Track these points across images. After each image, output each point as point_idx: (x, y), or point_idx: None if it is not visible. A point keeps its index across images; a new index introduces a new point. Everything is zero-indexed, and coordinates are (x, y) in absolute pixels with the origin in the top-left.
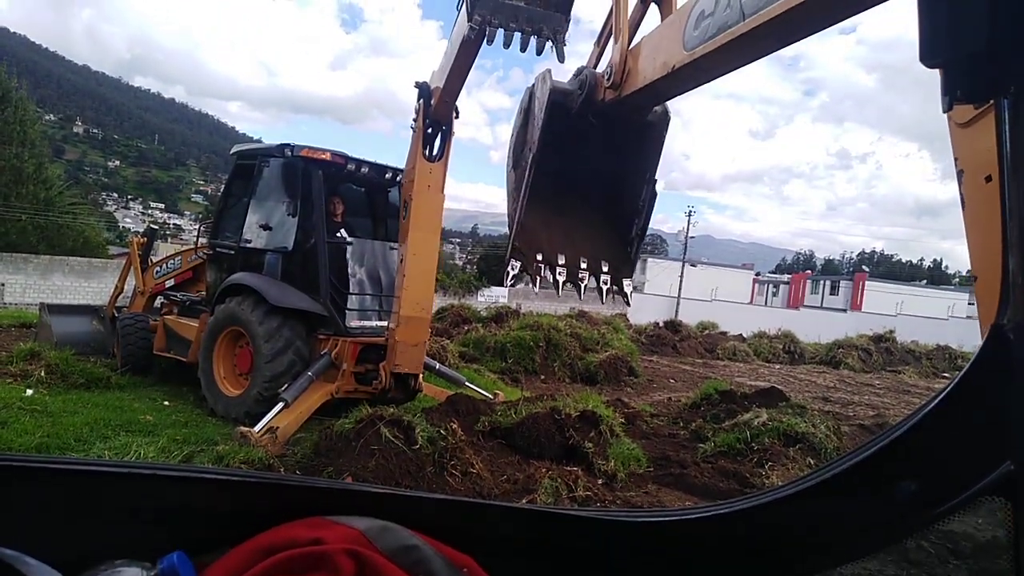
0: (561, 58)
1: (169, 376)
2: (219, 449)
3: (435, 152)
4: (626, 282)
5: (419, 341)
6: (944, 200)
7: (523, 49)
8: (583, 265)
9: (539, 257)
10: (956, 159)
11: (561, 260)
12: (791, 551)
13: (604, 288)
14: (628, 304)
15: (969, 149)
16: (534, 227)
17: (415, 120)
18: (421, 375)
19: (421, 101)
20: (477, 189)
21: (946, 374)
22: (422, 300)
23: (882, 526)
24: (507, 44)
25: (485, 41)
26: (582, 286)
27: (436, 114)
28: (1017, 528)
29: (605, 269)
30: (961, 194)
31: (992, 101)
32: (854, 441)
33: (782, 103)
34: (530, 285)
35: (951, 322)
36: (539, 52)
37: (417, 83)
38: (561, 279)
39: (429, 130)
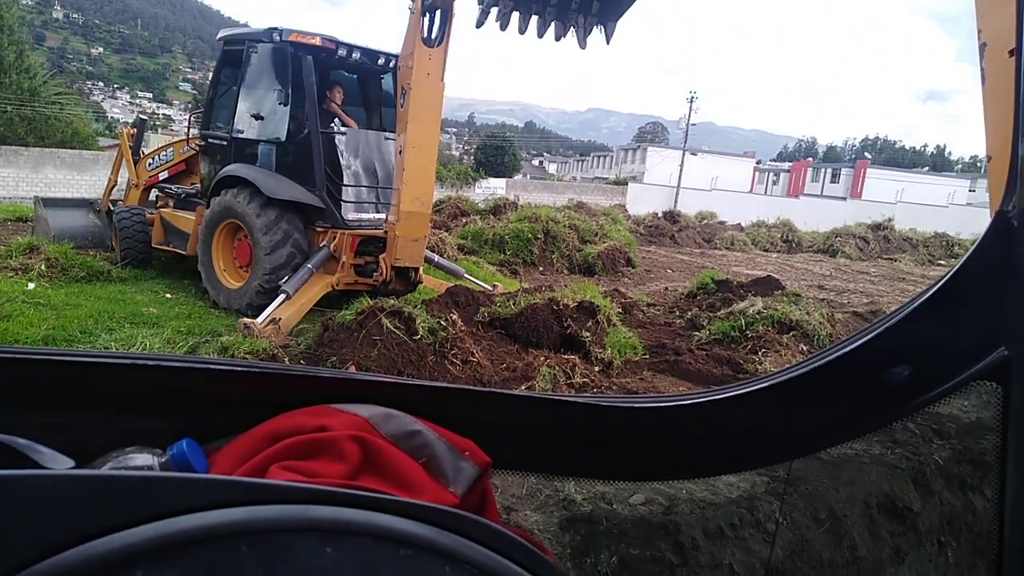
0: (582, 43)
1: (169, 269)
2: (223, 340)
3: (434, 36)
4: (611, 23)
5: (419, 236)
6: (953, 84)
7: (540, 35)
8: (573, 5)
9: None
10: (980, 31)
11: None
12: (783, 435)
13: (590, 27)
14: (608, 42)
15: (994, 19)
16: None
17: (413, 1)
18: (421, 268)
19: None
20: (472, 74)
21: (942, 262)
22: (422, 195)
23: (872, 411)
24: (522, 29)
25: (499, 26)
26: (568, 25)
27: None
28: (1006, 410)
29: (594, 10)
30: (982, 69)
31: None
32: (848, 328)
33: None
34: (509, 27)
35: (950, 209)
36: (557, 38)
37: None
38: (550, 18)
39: (428, 12)
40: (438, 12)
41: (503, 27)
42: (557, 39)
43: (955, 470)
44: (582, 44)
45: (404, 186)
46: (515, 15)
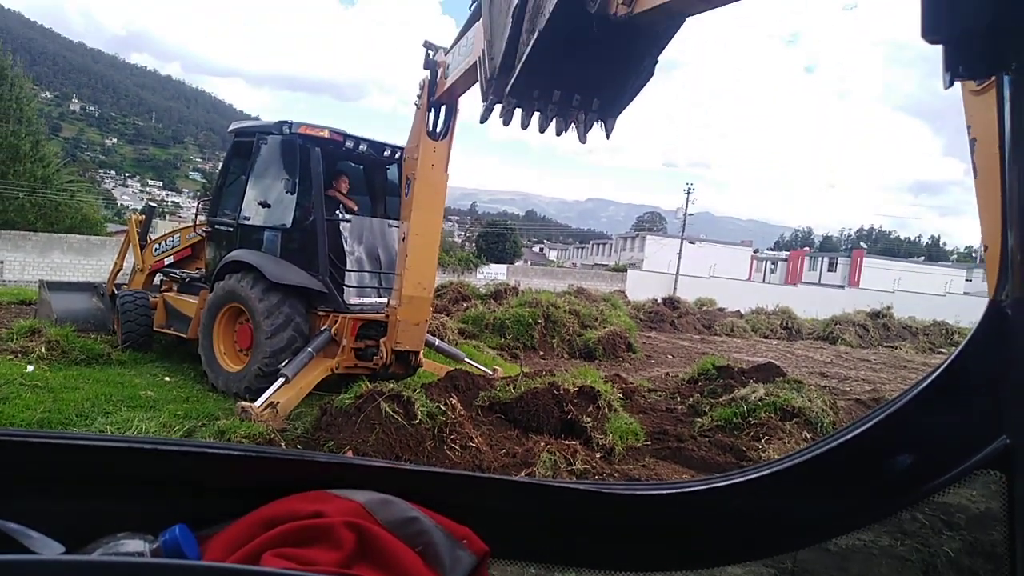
0: (608, 133)
1: (169, 352)
2: (220, 424)
3: (439, 130)
4: (611, 120)
5: (420, 320)
6: (943, 177)
7: (559, 133)
8: (575, 102)
9: (535, 94)
10: (969, 127)
11: (556, 96)
12: (787, 523)
13: (591, 123)
14: (608, 137)
15: (983, 117)
16: (536, 66)
17: (419, 96)
18: (422, 352)
19: (427, 76)
20: (475, 165)
21: (942, 349)
22: (424, 280)
23: (877, 499)
24: (543, 129)
25: (502, 122)
26: (569, 121)
27: (441, 94)
28: (1011, 500)
29: (595, 107)
30: (973, 163)
31: (994, 78)
32: (850, 415)
33: (782, 81)
34: (519, 126)
35: (948, 298)
36: (582, 139)
37: (426, 48)
38: (552, 114)
39: (433, 108)
40: (443, 107)
41: (506, 123)
42: (558, 134)
43: (966, 562)
44: (582, 139)
45: (407, 271)
46: (518, 111)
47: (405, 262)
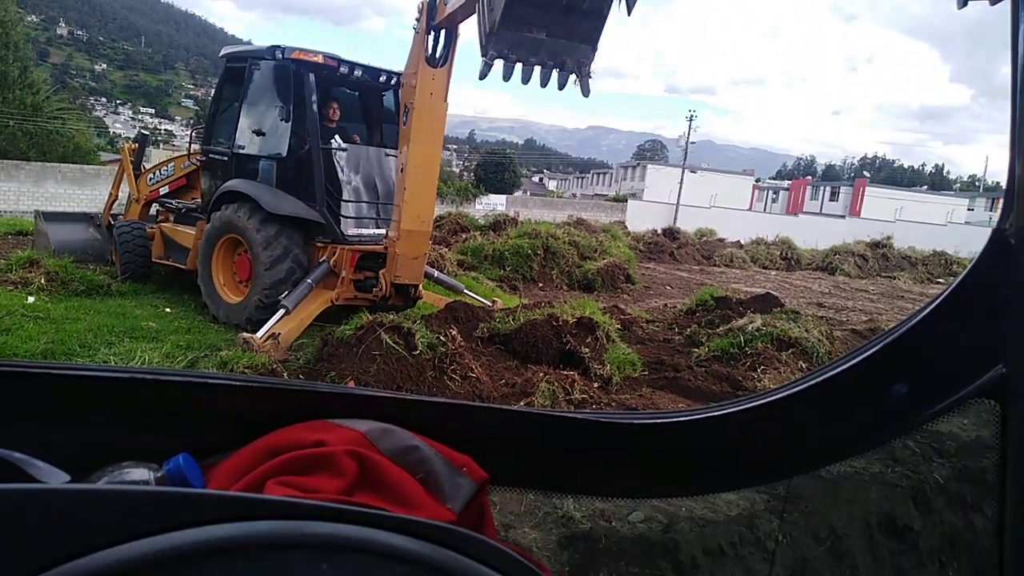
0: (586, 92)
1: (169, 283)
2: (223, 355)
3: (438, 56)
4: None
5: (419, 254)
6: (949, 104)
7: (543, 84)
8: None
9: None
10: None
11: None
12: (781, 452)
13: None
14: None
15: None
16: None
17: (418, 20)
18: (421, 284)
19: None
20: (474, 93)
21: (940, 280)
22: (422, 213)
23: (872, 428)
24: (526, 80)
25: (502, 78)
26: (548, 73)
27: (441, 17)
28: (1005, 429)
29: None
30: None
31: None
32: (846, 346)
33: (789, 2)
34: (511, 80)
35: (949, 228)
36: (561, 87)
37: None
38: (531, 69)
39: (432, 32)
40: (443, 33)
41: (506, 78)
42: (543, 85)
43: (955, 489)
44: (560, 87)
45: (405, 204)
46: (518, 66)
47: (404, 195)
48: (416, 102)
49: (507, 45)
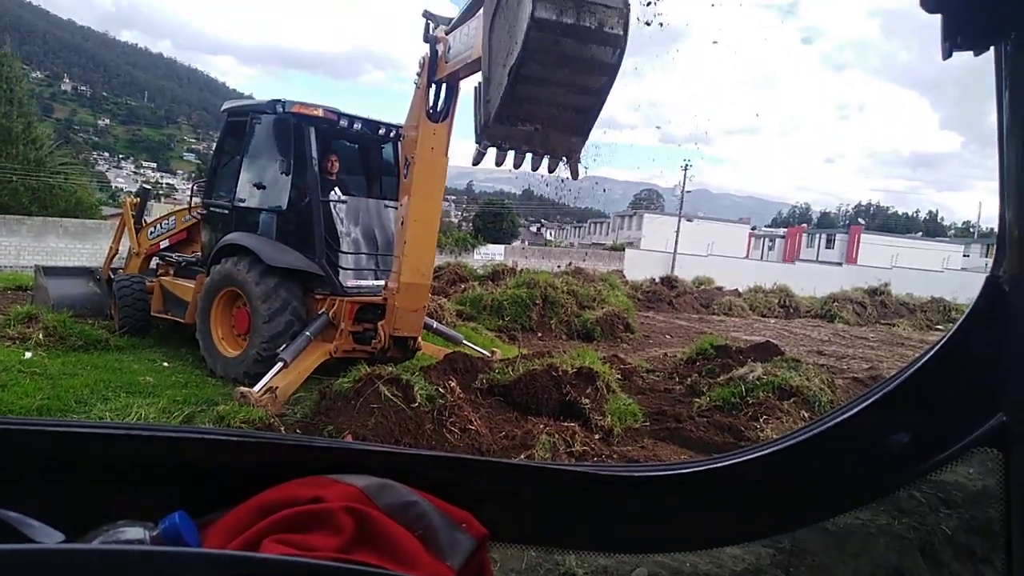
0: (575, 176)
1: (167, 337)
2: (219, 409)
3: (439, 111)
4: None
5: (419, 306)
6: (941, 151)
7: (534, 169)
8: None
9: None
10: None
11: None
12: (786, 503)
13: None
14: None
15: None
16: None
17: (419, 75)
18: (420, 336)
19: (427, 54)
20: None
21: (940, 326)
22: (422, 266)
23: (876, 477)
24: (518, 165)
25: (495, 163)
26: (540, 161)
27: (443, 74)
28: (1008, 478)
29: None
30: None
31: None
32: (848, 394)
33: (780, 52)
34: (504, 164)
35: (946, 274)
36: (551, 170)
37: (426, 19)
38: (522, 157)
39: (433, 87)
40: (444, 87)
41: (498, 163)
42: (534, 169)
43: (964, 540)
44: (550, 170)
45: (405, 258)
46: (511, 154)
47: (404, 248)
48: (417, 156)
49: (501, 137)
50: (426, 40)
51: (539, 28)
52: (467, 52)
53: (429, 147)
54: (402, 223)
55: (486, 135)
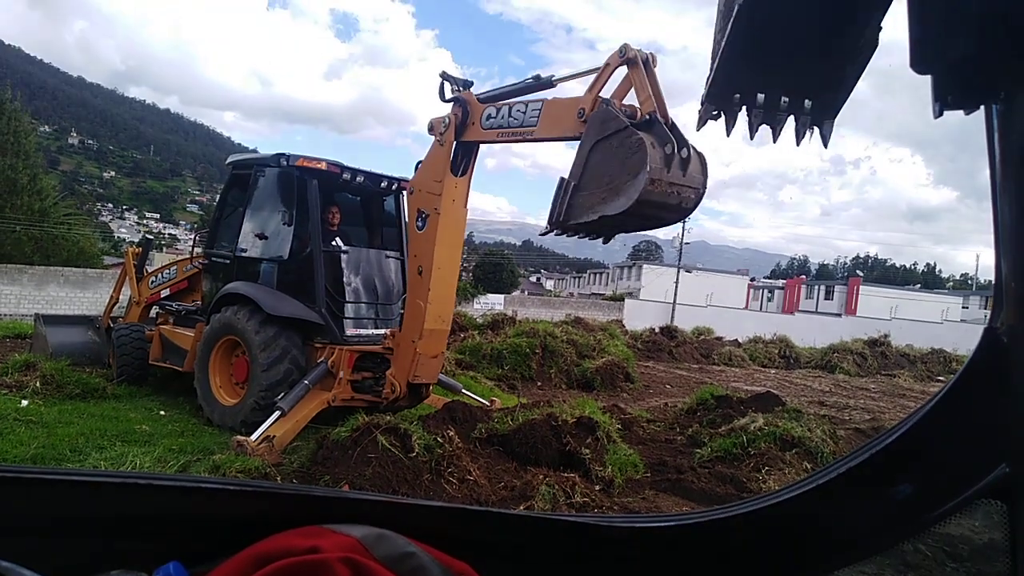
0: (825, 143)
1: (165, 386)
2: (216, 458)
3: (458, 166)
4: (827, 123)
5: (438, 352)
6: (936, 205)
7: (752, 137)
8: (782, 105)
9: (736, 97)
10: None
11: (759, 99)
12: (788, 556)
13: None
14: (825, 146)
15: None
16: (733, 65)
17: (442, 133)
18: (434, 383)
19: (453, 114)
20: (472, 196)
21: (941, 377)
22: (443, 313)
23: (879, 529)
24: (728, 132)
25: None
26: (779, 128)
27: (474, 137)
28: (1013, 531)
29: (807, 109)
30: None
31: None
32: (850, 445)
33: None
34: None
35: (945, 325)
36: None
37: (443, 79)
38: (757, 121)
39: (458, 145)
40: (466, 146)
41: (727, 132)
42: (774, 140)
43: None
44: (797, 141)
45: (429, 305)
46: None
47: (428, 296)
48: (441, 208)
49: (566, 230)
50: (443, 99)
51: (651, 180)
52: (521, 128)
53: (451, 199)
54: (419, 272)
55: (558, 226)
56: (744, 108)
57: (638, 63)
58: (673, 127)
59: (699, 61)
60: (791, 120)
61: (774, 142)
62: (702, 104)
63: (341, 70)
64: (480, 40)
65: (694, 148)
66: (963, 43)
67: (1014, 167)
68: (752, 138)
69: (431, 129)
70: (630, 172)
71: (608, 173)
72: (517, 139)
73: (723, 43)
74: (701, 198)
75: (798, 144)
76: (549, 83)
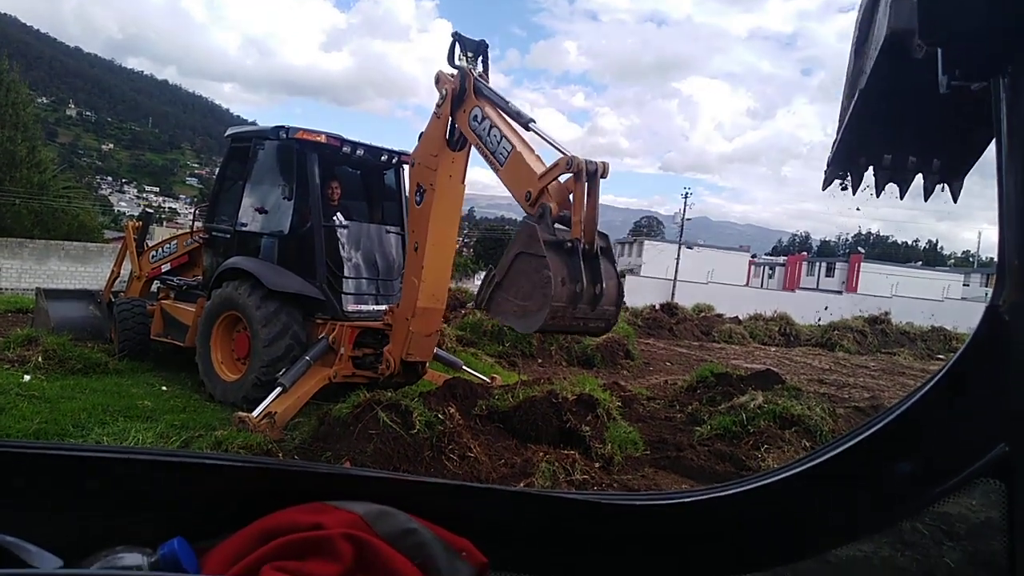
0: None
1: (166, 361)
2: (217, 434)
3: (456, 140)
4: (956, 183)
5: (432, 331)
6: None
7: (878, 195)
8: (909, 165)
9: (862, 160)
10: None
11: (886, 160)
12: (787, 533)
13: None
14: (955, 201)
15: None
16: (862, 131)
17: (440, 106)
18: (430, 360)
19: (451, 85)
20: (474, 171)
21: (941, 356)
22: (438, 292)
23: (877, 508)
24: (854, 192)
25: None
26: (906, 186)
27: (459, 122)
28: (1011, 509)
29: (935, 168)
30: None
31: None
32: (849, 423)
33: (780, 82)
34: (846, 191)
35: (946, 303)
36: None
37: (455, 39)
38: (884, 180)
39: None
40: None
41: (852, 192)
42: (901, 198)
43: (968, 573)
44: (925, 198)
45: (422, 283)
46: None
47: (421, 273)
48: (437, 184)
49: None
50: (451, 63)
51: (552, 316)
52: (490, 154)
53: (448, 174)
54: (415, 249)
55: (484, 309)
56: (871, 168)
57: (582, 178)
58: (597, 256)
59: (703, 33)
60: (919, 177)
61: (900, 199)
62: (828, 166)
63: (340, 41)
64: (481, 10)
65: (616, 276)
66: (971, 17)
67: (1020, 141)
68: (878, 196)
69: (437, 81)
70: (537, 301)
71: (523, 289)
72: (488, 161)
73: (850, 109)
74: (612, 325)
75: (926, 200)
76: (526, 124)
